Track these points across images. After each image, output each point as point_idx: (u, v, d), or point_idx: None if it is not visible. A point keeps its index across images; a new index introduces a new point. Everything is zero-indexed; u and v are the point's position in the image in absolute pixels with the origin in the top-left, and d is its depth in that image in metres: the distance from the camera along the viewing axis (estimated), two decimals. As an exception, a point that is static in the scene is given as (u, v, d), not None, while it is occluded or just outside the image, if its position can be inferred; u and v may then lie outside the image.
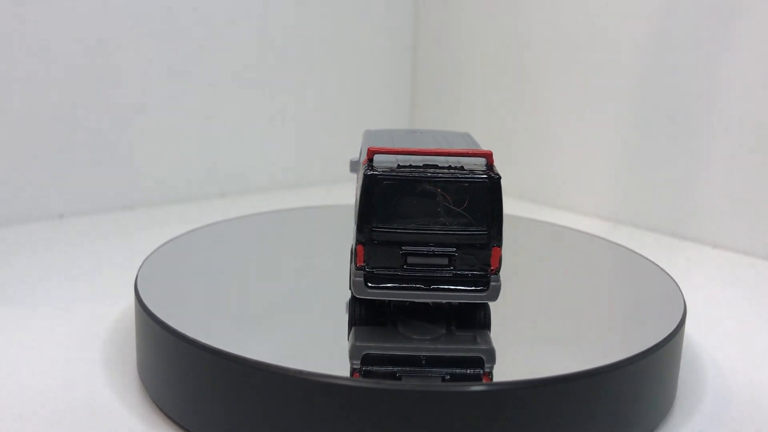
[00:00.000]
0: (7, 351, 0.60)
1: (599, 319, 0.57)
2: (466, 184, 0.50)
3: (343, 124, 1.24)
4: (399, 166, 0.51)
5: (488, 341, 0.51)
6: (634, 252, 0.72)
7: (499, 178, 0.50)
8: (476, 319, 0.54)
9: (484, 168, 0.51)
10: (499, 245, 0.51)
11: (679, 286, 0.61)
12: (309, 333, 0.54)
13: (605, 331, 0.55)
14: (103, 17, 0.99)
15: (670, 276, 0.64)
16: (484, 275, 0.51)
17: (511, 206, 1.03)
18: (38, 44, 0.95)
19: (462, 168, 0.51)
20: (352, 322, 0.53)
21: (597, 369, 0.46)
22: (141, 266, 0.62)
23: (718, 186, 0.94)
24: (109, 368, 0.58)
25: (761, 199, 0.91)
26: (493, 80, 1.21)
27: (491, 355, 0.50)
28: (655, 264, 0.67)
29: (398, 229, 0.51)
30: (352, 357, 0.49)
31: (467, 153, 0.51)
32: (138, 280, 0.59)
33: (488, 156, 0.51)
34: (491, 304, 0.59)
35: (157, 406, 0.52)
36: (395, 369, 0.47)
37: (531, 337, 0.54)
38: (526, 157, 1.15)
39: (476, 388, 0.44)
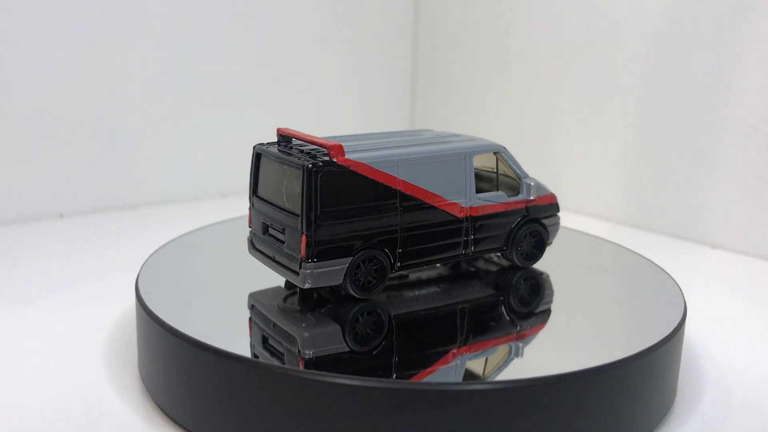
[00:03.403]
0: (7, 351, 0.60)
1: (599, 319, 0.57)
2: (292, 169, 0.53)
3: (343, 124, 1.24)
4: (280, 147, 0.57)
5: (313, 328, 0.52)
6: (635, 252, 0.72)
7: (314, 168, 0.51)
8: (346, 312, 0.54)
9: (317, 158, 0.53)
10: (307, 234, 0.52)
11: (679, 287, 0.61)
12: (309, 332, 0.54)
13: (605, 331, 0.55)
14: (103, 17, 0.99)
15: (670, 276, 0.64)
16: (298, 260, 0.53)
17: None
18: (38, 44, 0.95)
19: (303, 153, 0.53)
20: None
21: (597, 368, 0.46)
22: (142, 266, 0.62)
23: (718, 186, 0.95)
24: (110, 368, 0.58)
25: (761, 199, 0.91)
26: (494, 80, 1.21)
27: (305, 342, 0.50)
28: (656, 264, 0.68)
29: (261, 199, 0.57)
30: (247, 305, 0.57)
31: (319, 143, 0.54)
32: (139, 280, 0.59)
33: (330, 148, 0.53)
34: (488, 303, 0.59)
35: (158, 406, 0.52)
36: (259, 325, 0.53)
37: (531, 336, 0.54)
38: (527, 158, 1.15)
39: (476, 387, 0.44)
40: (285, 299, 0.57)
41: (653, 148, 1.01)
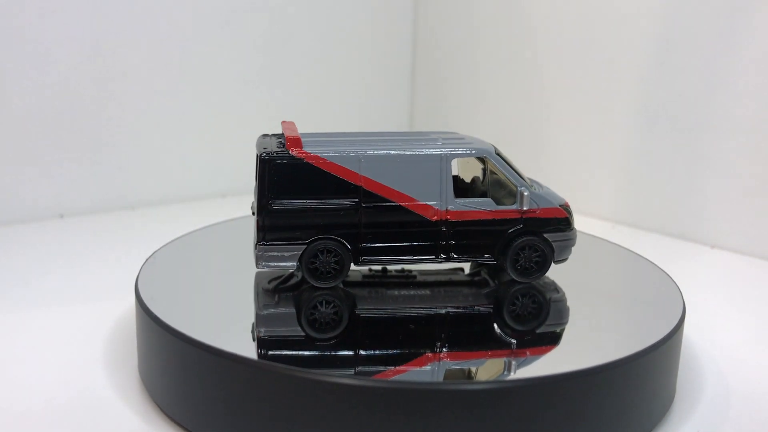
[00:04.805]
0: (7, 351, 0.60)
1: (598, 319, 0.57)
2: (257, 158, 0.57)
3: (342, 124, 1.24)
4: (274, 138, 0.61)
5: (271, 309, 0.56)
6: (634, 252, 0.72)
7: (266, 157, 0.55)
8: (306, 299, 0.57)
9: (277, 148, 0.56)
10: (258, 219, 0.56)
11: (678, 286, 0.61)
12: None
13: (604, 331, 0.55)
14: (103, 17, 0.99)
15: (669, 276, 0.64)
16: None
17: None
18: (38, 44, 0.95)
19: (278, 144, 0.57)
20: None
21: (596, 368, 0.46)
22: (142, 266, 0.62)
23: (717, 186, 0.95)
24: (109, 368, 0.58)
25: (759, 199, 0.91)
26: (493, 80, 1.21)
27: (258, 320, 0.54)
28: (655, 264, 0.68)
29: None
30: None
31: (285, 135, 0.58)
32: (139, 281, 0.59)
33: (287, 140, 0.56)
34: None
35: (158, 405, 0.52)
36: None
37: (530, 336, 0.54)
38: (526, 157, 1.15)
39: (474, 386, 0.44)
40: (270, 281, 0.60)
41: (652, 148, 1.01)
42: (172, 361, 0.50)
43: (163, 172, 1.08)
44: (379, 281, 0.61)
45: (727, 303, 0.76)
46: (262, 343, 0.51)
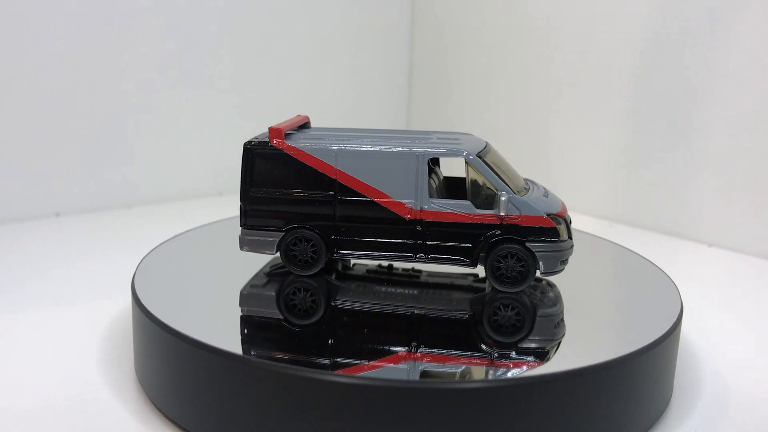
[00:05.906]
0: (3, 350, 0.60)
1: (595, 318, 0.57)
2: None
3: (341, 123, 1.24)
4: None
5: (255, 290, 0.58)
6: (631, 251, 0.72)
7: (248, 146, 0.59)
8: (284, 285, 0.59)
9: (260, 139, 0.59)
10: (241, 204, 0.59)
11: (675, 285, 0.61)
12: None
13: (601, 330, 0.55)
14: (102, 17, 0.99)
15: (666, 274, 0.64)
16: None
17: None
18: (37, 44, 0.95)
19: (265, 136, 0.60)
20: None
21: (593, 367, 0.46)
22: (138, 265, 0.62)
23: (714, 185, 0.95)
24: (106, 367, 0.58)
25: (756, 197, 0.91)
26: (491, 80, 1.21)
27: (242, 297, 0.57)
28: (652, 263, 0.68)
29: None
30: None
31: None
32: (135, 279, 0.59)
33: (270, 130, 0.59)
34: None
35: (155, 405, 0.52)
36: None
37: (528, 336, 0.54)
38: (524, 156, 1.15)
39: (472, 385, 0.44)
40: (272, 265, 0.63)
41: (649, 147, 1.01)
42: (169, 360, 0.50)
43: (159, 170, 1.08)
44: (378, 277, 0.61)
45: (725, 301, 0.77)
46: (243, 322, 0.53)
